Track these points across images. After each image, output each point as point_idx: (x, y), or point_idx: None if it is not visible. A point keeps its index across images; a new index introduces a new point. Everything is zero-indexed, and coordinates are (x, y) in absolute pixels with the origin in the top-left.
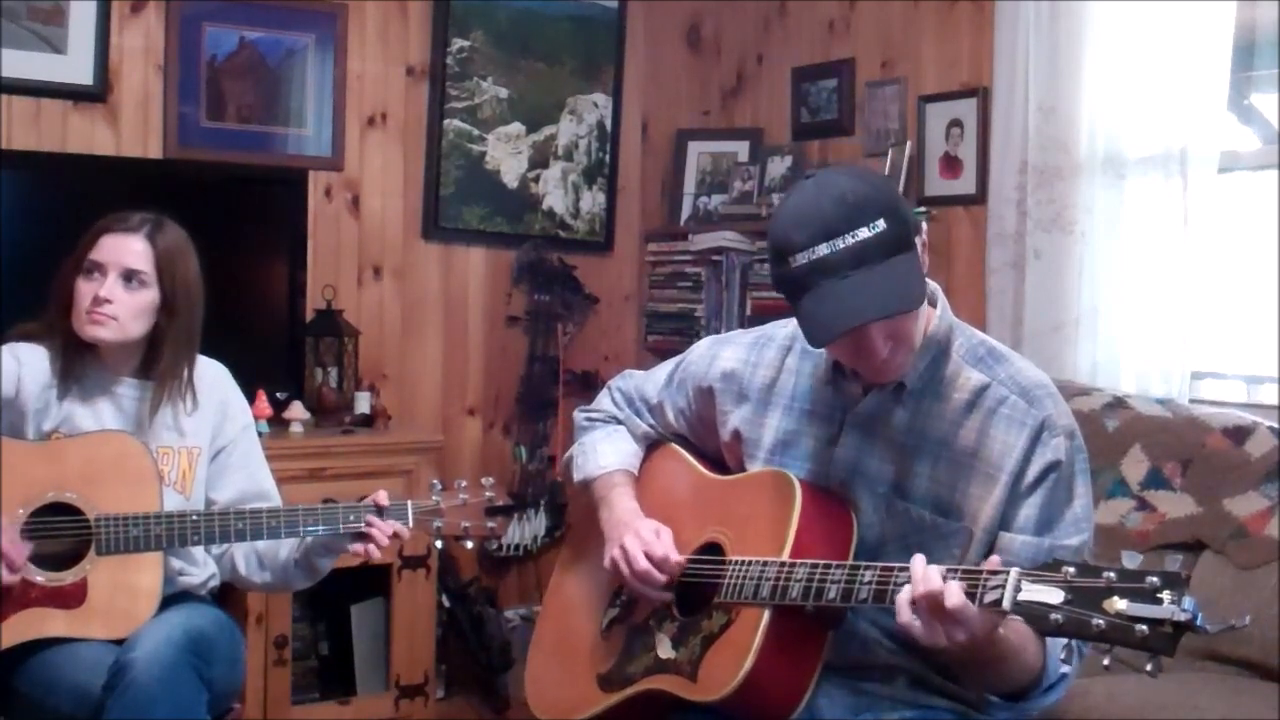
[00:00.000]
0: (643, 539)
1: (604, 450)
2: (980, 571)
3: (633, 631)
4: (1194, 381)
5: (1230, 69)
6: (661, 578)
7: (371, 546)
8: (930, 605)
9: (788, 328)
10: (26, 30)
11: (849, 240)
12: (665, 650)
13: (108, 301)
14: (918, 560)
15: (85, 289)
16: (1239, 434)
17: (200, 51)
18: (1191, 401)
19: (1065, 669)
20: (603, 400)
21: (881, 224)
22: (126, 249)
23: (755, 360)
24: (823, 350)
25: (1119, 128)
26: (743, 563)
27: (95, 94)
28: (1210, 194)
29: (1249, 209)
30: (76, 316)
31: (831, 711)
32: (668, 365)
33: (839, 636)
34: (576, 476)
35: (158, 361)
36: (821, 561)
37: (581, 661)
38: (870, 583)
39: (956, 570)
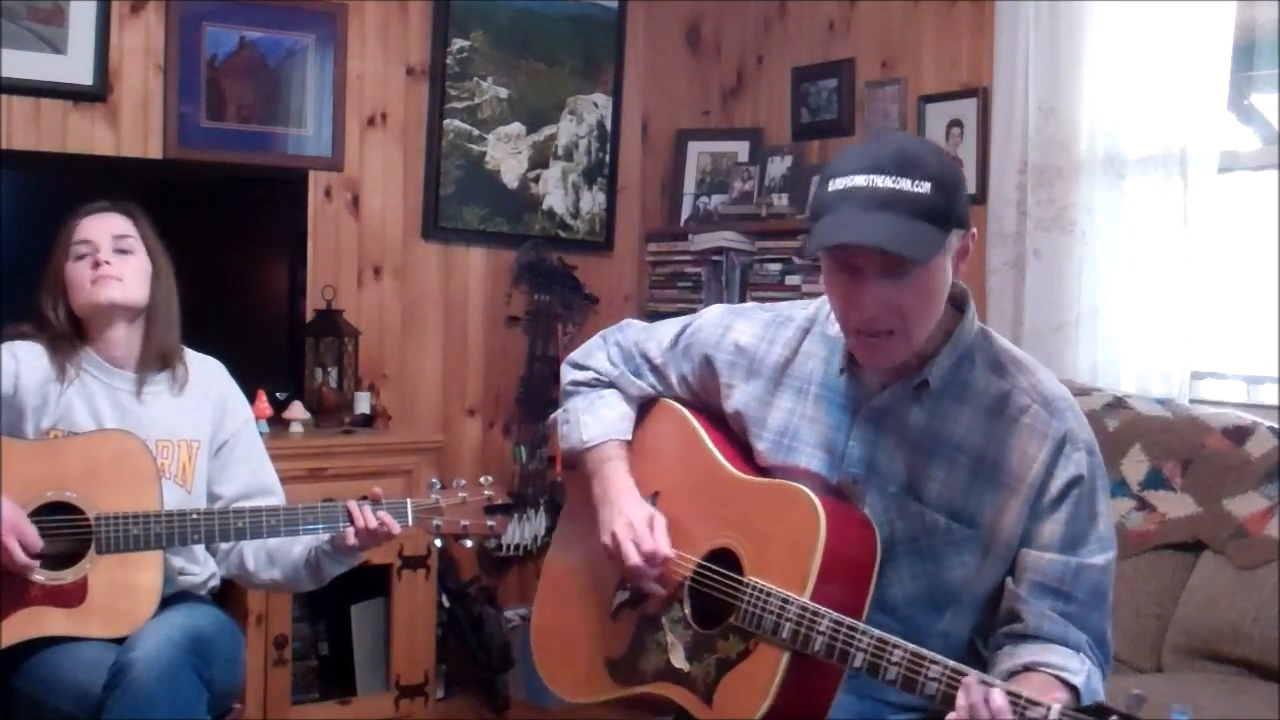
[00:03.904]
0: (634, 530)
1: (588, 421)
2: (1020, 698)
3: (643, 622)
4: (1194, 381)
5: (1230, 69)
6: (653, 573)
7: (350, 531)
8: None
9: (807, 310)
10: (26, 30)
11: (888, 183)
12: (679, 659)
13: (107, 263)
14: (973, 688)
15: (79, 267)
16: (1239, 434)
17: (200, 51)
18: (1191, 401)
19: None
20: (595, 354)
21: (927, 187)
22: (109, 224)
23: (771, 338)
24: (839, 337)
25: (1119, 128)
26: (762, 590)
27: (95, 94)
28: (1210, 194)
29: (1249, 209)
30: (79, 293)
31: (841, 715)
32: (673, 325)
33: None
34: (563, 446)
35: (152, 337)
36: (846, 621)
37: (589, 642)
38: (899, 664)
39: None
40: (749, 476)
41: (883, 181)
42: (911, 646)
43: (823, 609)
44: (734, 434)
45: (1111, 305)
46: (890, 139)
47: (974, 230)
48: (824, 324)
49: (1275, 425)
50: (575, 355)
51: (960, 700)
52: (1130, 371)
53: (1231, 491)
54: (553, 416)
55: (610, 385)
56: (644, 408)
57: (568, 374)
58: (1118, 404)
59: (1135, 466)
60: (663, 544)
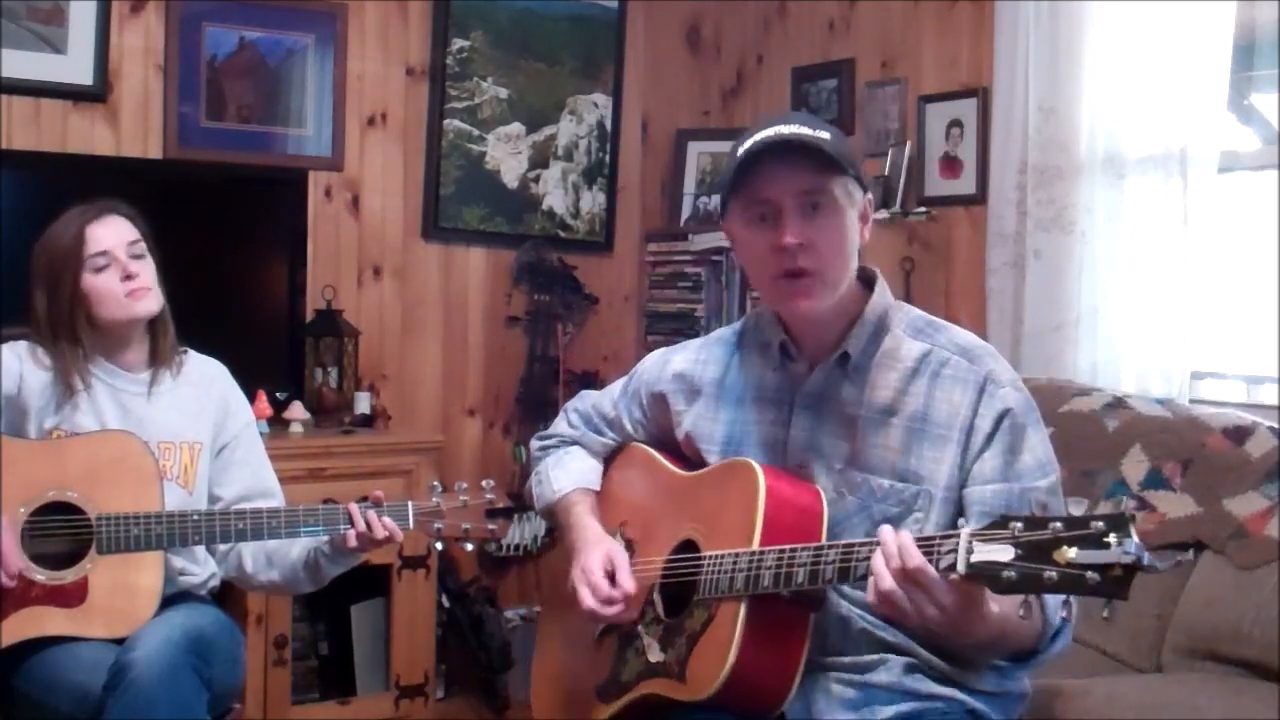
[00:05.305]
0: (588, 574)
1: (557, 475)
2: (933, 538)
3: (624, 638)
4: (1194, 381)
5: (1230, 69)
6: (607, 613)
7: (351, 534)
8: (903, 575)
9: (734, 326)
10: (26, 30)
11: (793, 129)
12: (655, 654)
13: (138, 275)
14: (885, 530)
15: (104, 280)
16: (1239, 434)
17: (200, 51)
18: (1191, 401)
19: (1064, 612)
20: (559, 424)
21: (828, 135)
22: (119, 230)
23: (705, 358)
24: (770, 339)
25: (1119, 128)
26: (717, 557)
27: (95, 94)
28: (1210, 194)
29: (1249, 209)
30: (111, 307)
31: (829, 708)
32: (621, 380)
33: (826, 627)
34: (538, 505)
35: (160, 337)
36: (789, 546)
37: (580, 674)
38: (834, 561)
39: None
40: (698, 471)
41: (788, 129)
42: (846, 541)
43: (768, 548)
44: (689, 458)
45: (1111, 305)
46: (783, 112)
47: (870, 196)
48: (753, 333)
49: (1275, 425)
50: (540, 434)
51: (876, 564)
52: (1130, 371)
53: (1231, 491)
54: (528, 485)
55: (575, 444)
56: (608, 459)
57: (535, 445)
58: (1118, 404)
59: (1135, 466)
60: (624, 582)
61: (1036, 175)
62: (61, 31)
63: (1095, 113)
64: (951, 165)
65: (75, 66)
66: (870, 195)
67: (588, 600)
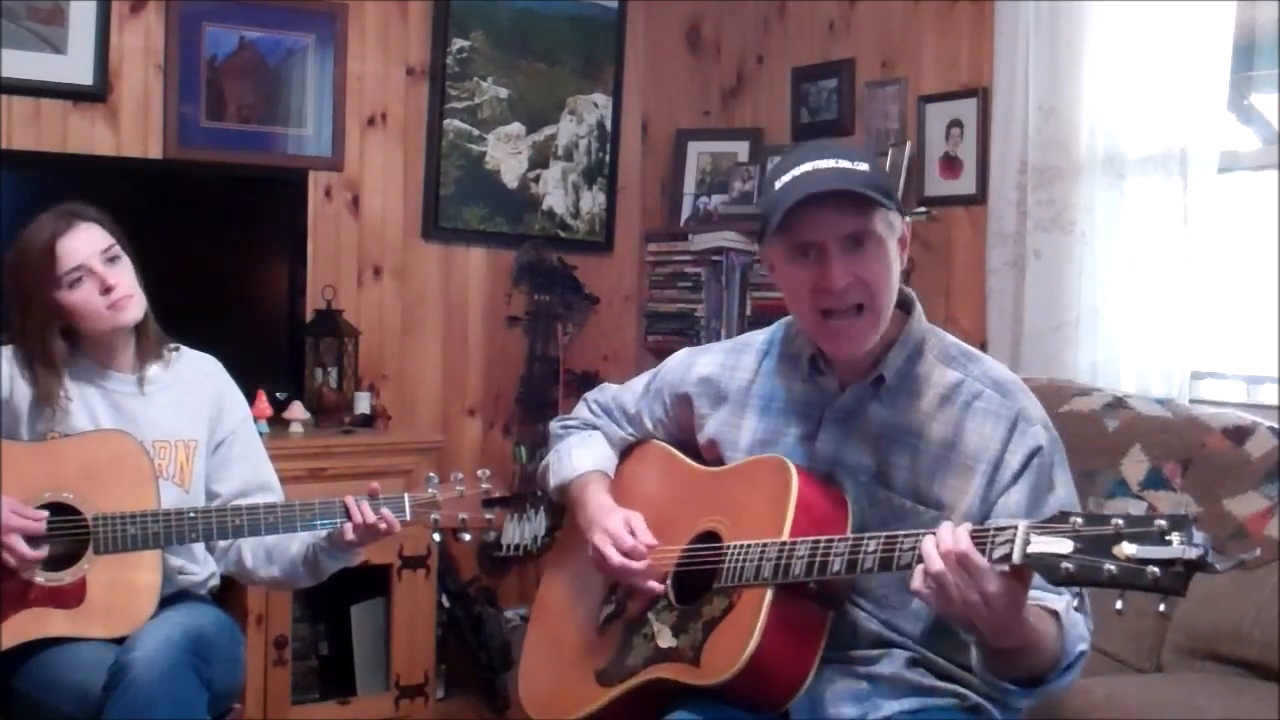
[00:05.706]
0: (610, 533)
1: (579, 454)
2: (988, 529)
3: (630, 625)
4: (1194, 381)
5: (1230, 69)
6: (637, 566)
7: (349, 526)
8: (954, 559)
9: (764, 334)
10: (26, 30)
11: (830, 164)
12: (666, 640)
13: (117, 284)
14: (945, 525)
15: (83, 295)
16: (1239, 434)
17: (200, 51)
18: (1191, 401)
19: (1082, 646)
20: (580, 410)
21: (866, 166)
22: (90, 239)
23: (733, 365)
24: (799, 352)
25: (1119, 128)
26: (742, 546)
27: (95, 94)
28: (1210, 194)
29: (1249, 209)
30: (95, 321)
31: (835, 702)
32: (644, 376)
33: (836, 627)
34: (552, 482)
35: (146, 332)
36: (824, 537)
37: (578, 661)
38: (875, 551)
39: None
40: (721, 467)
41: (825, 164)
42: (886, 533)
43: (800, 539)
44: (708, 460)
45: (1111, 305)
46: (818, 142)
47: (909, 221)
48: (781, 344)
49: (1275, 425)
50: (561, 417)
51: (927, 547)
52: (1130, 371)
53: (1231, 491)
54: (544, 463)
55: (595, 429)
56: (623, 453)
57: (555, 425)
58: (1118, 404)
59: (1135, 466)
60: (643, 536)
61: (1036, 175)
62: (61, 31)
63: (1095, 113)
64: (951, 165)
65: (75, 66)
66: (908, 218)
67: (614, 557)
